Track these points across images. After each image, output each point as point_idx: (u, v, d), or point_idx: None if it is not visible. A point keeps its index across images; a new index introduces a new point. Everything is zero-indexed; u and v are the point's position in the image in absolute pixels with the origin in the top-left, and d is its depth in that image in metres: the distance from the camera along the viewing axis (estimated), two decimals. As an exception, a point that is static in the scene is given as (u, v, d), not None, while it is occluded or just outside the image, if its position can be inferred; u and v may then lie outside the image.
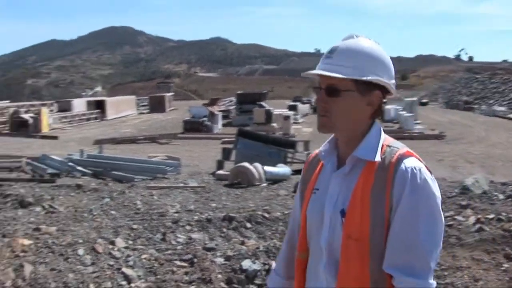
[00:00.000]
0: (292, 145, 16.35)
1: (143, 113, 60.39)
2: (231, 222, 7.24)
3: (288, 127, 32.00)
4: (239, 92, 48.35)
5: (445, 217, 7.52)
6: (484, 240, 6.05)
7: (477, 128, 34.89)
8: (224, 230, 6.99)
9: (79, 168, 13.77)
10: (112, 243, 5.79)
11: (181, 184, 12.16)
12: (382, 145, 1.72)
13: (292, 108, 46.59)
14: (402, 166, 1.64)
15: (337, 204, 1.71)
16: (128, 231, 6.69)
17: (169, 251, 5.67)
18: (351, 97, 1.70)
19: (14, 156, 17.93)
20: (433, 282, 1.61)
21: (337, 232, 1.69)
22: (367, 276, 1.63)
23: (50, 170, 13.74)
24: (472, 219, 7.20)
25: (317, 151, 1.94)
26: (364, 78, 1.67)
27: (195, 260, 5.24)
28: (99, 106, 50.38)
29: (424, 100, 77.90)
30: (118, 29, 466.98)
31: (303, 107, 55.30)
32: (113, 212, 8.00)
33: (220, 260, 5.22)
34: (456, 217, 7.41)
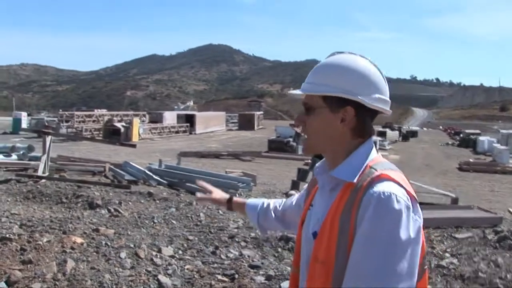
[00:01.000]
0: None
1: (231, 130, 61.56)
2: (288, 242, 7.08)
3: (373, 153, 31.18)
4: (326, 114, 48.03)
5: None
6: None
7: None
8: (279, 249, 6.86)
9: (155, 177, 14.14)
10: (159, 250, 5.83)
11: (251, 201, 12.14)
12: (366, 166, 1.61)
13: (381, 134, 45.61)
14: (371, 189, 1.50)
15: (315, 224, 1.66)
16: (182, 241, 6.73)
17: (215, 265, 5.62)
18: (322, 114, 1.64)
19: (100, 161, 18.79)
20: None
21: (310, 253, 1.65)
22: None
23: (128, 177, 14.23)
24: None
25: None
26: (322, 93, 1.63)
27: (237, 276, 5.14)
28: (189, 120, 51.90)
29: (524, 134, 73.47)
30: (215, 47, 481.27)
31: (392, 134, 54.25)
32: (174, 221, 8.10)
33: (260, 278, 5.10)
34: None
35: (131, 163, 16.00)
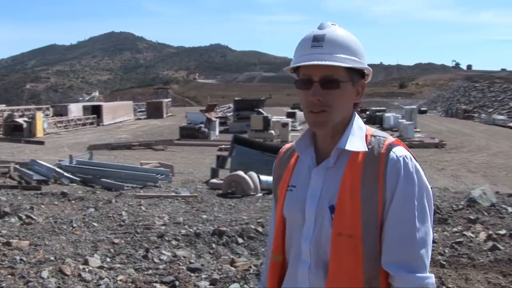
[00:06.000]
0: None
1: (140, 119, 59.93)
2: (221, 237, 6.69)
3: (286, 134, 31.44)
4: (236, 98, 47.90)
5: (454, 232, 7.05)
6: (499, 261, 5.48)
7: (477, 137, 34.15)
8: (213, 246, 6.44)
9: (67, 175, 13.21)
10: (86, 262, 5.17)
11: (172, 194, 11.61)
12: (366, 135, 1.63)
13: (291, 115, 46.19)
14: (393, 155, 1.55)
15: (322, 200, 1.60)
16: (108, 246, 6.12)
17: (150, 271, 5.09)
18: (348, 87, 1.61)
19: (3, 161, 17.36)
20: (431, 274, 1.53)
21: (324, 230, 1.58)
22: (360, 275, 1.53)
23: (36, 177, 13.16)
24: (483, 236, 6.67)
25: (287, 145, 1.84)
26: (361, 67, 1.61)
27: (177, 283, 4.65)
28: (96, 111, 49.89)
29: (423, 108, 77.55)
30: (118, 35, 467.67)
31: (302, 114, 55.09)
32: (95, 224, 7.43)
33: (204, 283, 4.63)
34: (465, 232, 6.86)
35: (38, 161, 14.87)
